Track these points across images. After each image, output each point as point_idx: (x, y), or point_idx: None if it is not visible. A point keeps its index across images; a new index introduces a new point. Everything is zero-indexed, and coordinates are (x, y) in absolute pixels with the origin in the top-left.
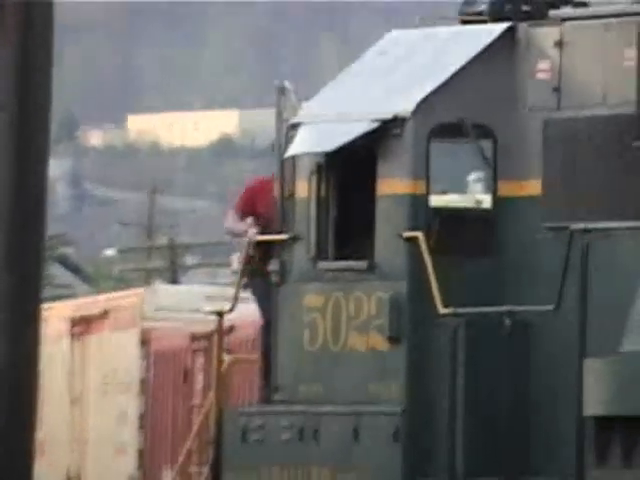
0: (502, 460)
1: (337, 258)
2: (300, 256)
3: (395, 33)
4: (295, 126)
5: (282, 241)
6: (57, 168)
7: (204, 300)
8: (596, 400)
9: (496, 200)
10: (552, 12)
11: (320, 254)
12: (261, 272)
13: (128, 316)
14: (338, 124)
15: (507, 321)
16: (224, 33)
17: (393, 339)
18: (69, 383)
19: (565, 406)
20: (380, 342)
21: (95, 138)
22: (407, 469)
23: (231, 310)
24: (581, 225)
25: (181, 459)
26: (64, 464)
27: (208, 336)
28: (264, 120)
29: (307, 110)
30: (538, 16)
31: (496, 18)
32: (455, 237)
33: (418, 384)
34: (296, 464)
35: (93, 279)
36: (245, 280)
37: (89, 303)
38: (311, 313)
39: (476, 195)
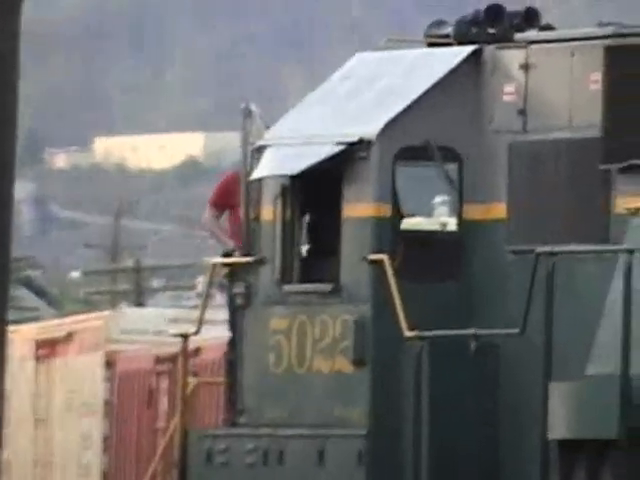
0: None
1: (302, 281)
2: (265, 279)
3: (361, 55)
4: (261, 149)
5: (247, 264)
6: (22, 190)
7: (169, 323)
8: (561, 423)
9: (462, 223)
10: (518, 35)
11: (285, 277)
12: None
13: (93, 339)
14: (304, 147)
15: (472, 344)
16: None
17: (358, 362)
18: (34, 405)
19: (531, 429)
20: (345, 365)
21: (60, 160)
22: None
23: (196, 333)
24: (546, 248)
25: None
26: None
27: (173, 358)
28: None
29: (273, 133)
30: (504, 39)
31: (462, 41)
32: (420, 260)
33: (383, 407)
34: None
35: (58, 302)
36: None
37: (54, 326)
38: (276, 336)
39: (441, 218)
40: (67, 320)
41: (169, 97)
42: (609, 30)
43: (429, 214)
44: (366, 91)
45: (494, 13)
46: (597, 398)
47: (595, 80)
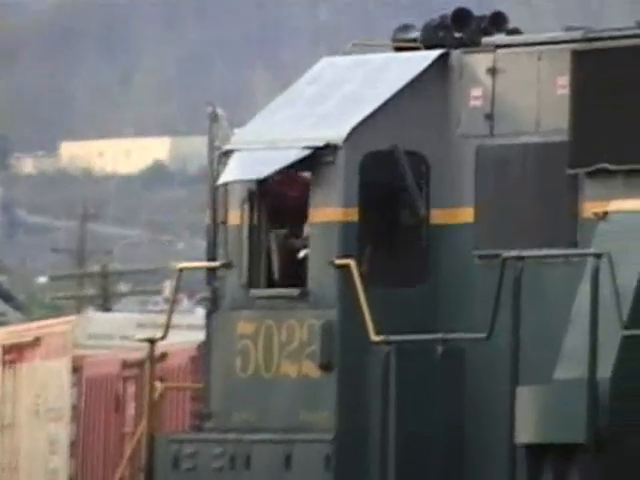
0: None
1: (269, 285)
2: (232, 283)
3: (327, 60)
4: (227, 153)
5: (214, 268)
6: None
7: (136, 327)
8: (528, 427)
9: (428, 227)
10: (485, 39)
11: (252, 281)
12: None
13: (60, 344)
14: (270, 151)
15: (439, 348)
16: (157, 59)
17: (325, 366)
18: (0, 410)
19: (498, 433)
20: (312, 369)
21: (27, 165)
22: None
23: (163, 338)
24: (513, 253)
25: None
26: None
27: (140, 363)
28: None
29: (239, 137)
30: (471, 43)
31: (429, 45)
32: (387, 264)
33: (350, 411)
34: None
35: (25, 307)
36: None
37: (21, 331)
38: (243, 340)
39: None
40: (34, 325)
41: (136, 102)
42: (576, 34)
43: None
44: (333, 95)
45: (461, 17)
46: (564, 402)
47: (562, 84)
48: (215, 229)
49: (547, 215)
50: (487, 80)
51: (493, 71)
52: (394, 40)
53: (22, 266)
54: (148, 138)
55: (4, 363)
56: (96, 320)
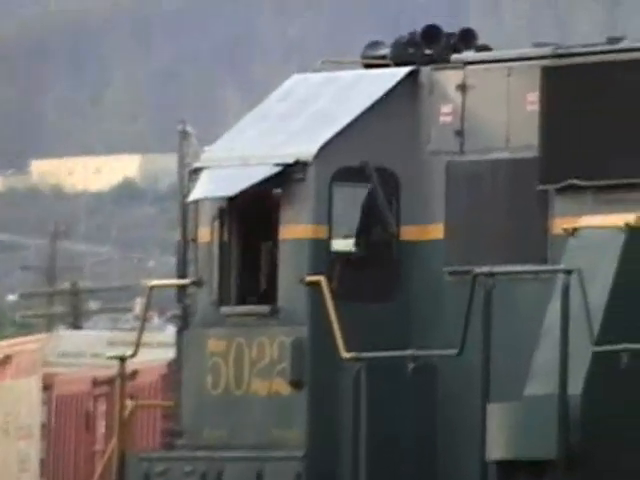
0: None
1: (239, 303)
2: (203, 301)
3: (297, 77)
4: (197, 171)
5: (185, 286)
6: None
7: (107, 345)
8: (499, 444)
9: (399, 244)
10: (455, 56)
11: (222, 299)
12: None
13: (30, 362)
14: (240, 169)
15: (411, 365)
16: (127, 77)
17: (296, 383)
18: None
19: (470, 450)
20: (283, 386)
21: None
22: None
23: (134, 355)
24: (484, 269)
25: None
26: None
27: (110, 381)
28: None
29: (209, 154)
30: (441, 60)
31: (399, 62)
32: (358, 281)
33: (321, 428)
34: None
35: None
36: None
37: None
38: (214, 358)
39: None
40: (4, 343)
41: (107, 119)
42: (546, 50)
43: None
44: (303, 112)
45: (430, 34)
46: (535, 418)
47: (532, 101)
48: (185, 246)
49: (517, 231)
50: (457, 97)
51: (463, 87)
52: (364, 57)
53: None
54: (119, 155)
55: None
56: (66, 338)
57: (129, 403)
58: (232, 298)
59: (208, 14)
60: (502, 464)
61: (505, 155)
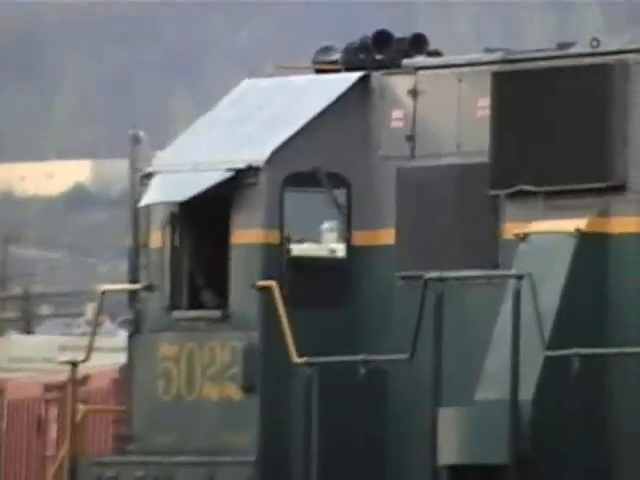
0: None
1: (191, 307)
2: (154, 305)
3: (249, 82)
4: (149, 176)
5: (136, 291)
6: None
7: (58, 350)
8: (450, 449)
9: (350, 249)
10: (406, 61)
11: (174, 303)
12: None
13: None
14: (192, 174)
15: (362, 370)
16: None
17: (247, 388)
18: None
19: (421, 455)
20: (234, 391)
21: None
22: None
23: (85, 360)
24: (435, 274)
25: None
26: None
27: (62, 386)
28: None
29: (161, 159)
30: (392, 65)
31: (350, 67)
32: (309, 286)
33: (272, 433)
34: None
35: None
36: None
37: None
38: (165, 363)
39: (330, 244)
40: None
41: (58, 125)
42: (496, 56)
43: (318, 240)
44: (254, 117)
45: (381, 39)
46: (486, 423)
47: (483, 106)
48: (137, 251)
49: (468, 236)
50: (408, 102)
51: (414, 93)
52: (315, 62)
53: None
54: (70, 161)
55: None
56: (18, 343)
57: (80, 408)
58: (183, 303)
59: (159, 21)
60: (453, 469)
61: (456, 160)
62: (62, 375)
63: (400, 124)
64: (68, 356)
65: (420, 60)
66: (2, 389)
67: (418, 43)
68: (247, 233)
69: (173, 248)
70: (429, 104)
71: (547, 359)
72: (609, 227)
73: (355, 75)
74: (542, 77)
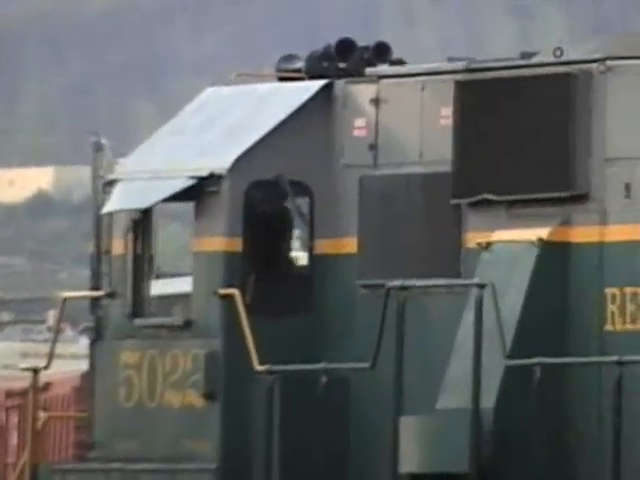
0: None
1: (153, 315)
2: (116, 312)
3: (212, 90)
4: (111, 183)
5: (98, 298)
6: None
7: (19, 357)
8: (412, 457)
9: (313, 258)
10: (369, 69)
11: (136, 311)
12: None
13: None
14: (155, 181)
15: (324, 378)
16: (40, 89)
17: (209, 396)
18: None
19: (382, 463)
20: (196, 399)
21: None
22: None
23: (47, 367)
24: (397, 283)
25: None
26: None
27: (23, 393)
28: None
29: (123, 167)
30: (355, 73)
31: (313, 75)
32: (271, 294)
33: (233, 441)
34: None
35: None
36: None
37: None
38: (127, 370)
39: (292, 252)
40: None
41: (20, 131)
42: (459, 65)
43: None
44: (217, 125)
45: (345, 47)
46: (448, 432)
47: (445, 115)
48: (99, 258)
49: (431, 245)
50: (371, 110)
51: (377, 101)
52: (278, 70)
53: None
54: (32, 168)
55: None
56: None
57: (42, 415)
58: (145, 310)
59: (122, 28)
60: (414, 477)
61: (418, 169)
62: (23, 382)
63: (363, 133)
64: (29, 363)
65: (383, 69)
66: None
67: (381, 52)
68: (209, 241)
69: (135, 255)
70: (392, 113)
71: (508, 368)
72: (571, 236)
73: (318, 83)
74: (505, 86)
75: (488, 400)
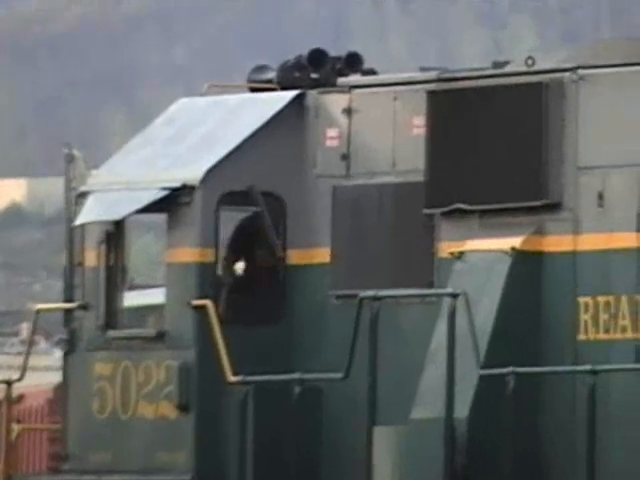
0: None
1: (126, 326)
2: (89, 324)
3: (183, 101)
4: (84, 194)
5: (71, 310)
6: None
7: None
8: (386, 468)
9: (285, 268)
10: (341, 80)
11: (109, 322)
12: None
13: None
14: (127, 193)
15: (297, 389)
16: (10, 101)
17: (182, 407)
18: None
19: (356, 474)
20: (169, 410)
21: None
22: None
23: (20, 379)
24: (370, 293)
25: None
26: None
27: None
28: (53, 188)
29: (96, 178)
30: (327, 83)
31: (285, 85)
32: (244, 305)
33: (207, 452)
34: None
35: None
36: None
37: None
38: (100, 381)
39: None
40: None
41: None
42: (431, 75)
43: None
44: (189, 136)
45: (316, 58)
46: (422, 442)
47: (418, 125)
48: (72, 270)
49: (404, 255)
50: (343, 120)
51: (349, 111)
52: (250, 81)
53: None
54: (4, 180)
55: None
56: None
57: (15, 427)
58: (119, 321)
59: (93, 38)
60: None
61: (391, 179)
62: None
63: (335, 143)
64: (2, 375)
65: (355, 79)
66: None
67: (353, 62)
68: (182, 252)
69: (108, 267)
70: (364, 123)
71: (482, 378)
72: (544, 245)
73: (290, 94)
74: (477, 96)
75: (462, 410)
